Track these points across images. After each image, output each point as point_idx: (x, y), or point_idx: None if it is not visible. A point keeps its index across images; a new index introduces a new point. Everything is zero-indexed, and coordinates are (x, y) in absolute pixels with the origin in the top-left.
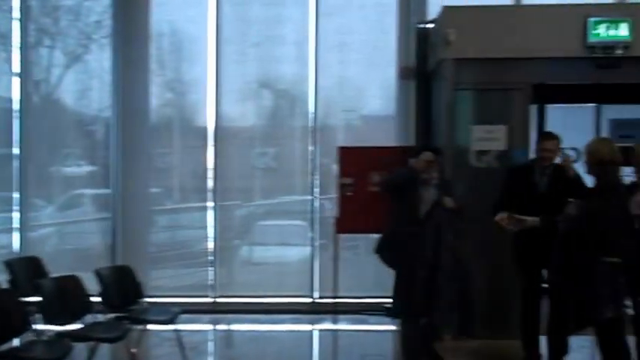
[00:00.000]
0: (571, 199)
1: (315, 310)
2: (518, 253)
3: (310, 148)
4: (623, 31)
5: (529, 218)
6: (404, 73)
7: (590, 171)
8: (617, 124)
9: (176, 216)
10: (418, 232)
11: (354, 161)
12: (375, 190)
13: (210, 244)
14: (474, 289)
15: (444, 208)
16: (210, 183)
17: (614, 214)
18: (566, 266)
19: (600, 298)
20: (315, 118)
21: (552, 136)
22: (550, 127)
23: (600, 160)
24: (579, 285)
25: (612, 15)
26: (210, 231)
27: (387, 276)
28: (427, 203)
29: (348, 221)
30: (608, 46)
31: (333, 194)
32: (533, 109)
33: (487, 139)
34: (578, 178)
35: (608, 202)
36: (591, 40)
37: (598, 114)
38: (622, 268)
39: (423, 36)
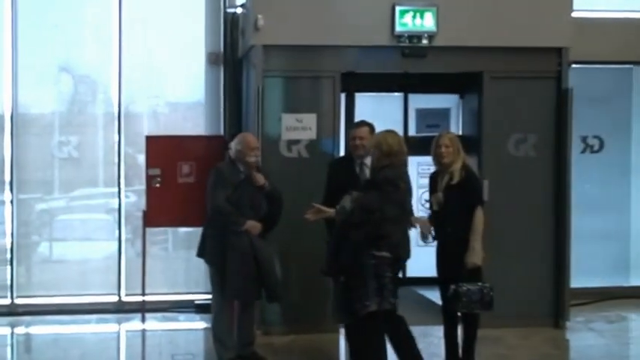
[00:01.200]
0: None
1: (122, 310)
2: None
3: (115, 136)
4: (428, 21)
5: (328, 209)
6: (212, 59)
7: (377, 163)
8: (423, 114)
9: None
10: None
11: (162, 151)
12: (185, 182)
13: (7, 241)
14: (272, 261)
15: (253, 185)
16: (6, 175)
17: (391, 209)
18: (339, 259)
19: (366, 292)
20: (120, 104)
21: (362, 124)
22: (359, 116)
23: (389, 151)
24: (349, 278)
25: (418, 4)
26: (7, 227)
27: (197, 271)
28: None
29: (157, 214)
30: (415, 36)
31: (141, 186)
32: (343, 97)
33: (297, 127)
34: None
35: (386, 196)
36: (399, 29)
37: (406, 103)
38: (391, 263)
39: (232, 21)
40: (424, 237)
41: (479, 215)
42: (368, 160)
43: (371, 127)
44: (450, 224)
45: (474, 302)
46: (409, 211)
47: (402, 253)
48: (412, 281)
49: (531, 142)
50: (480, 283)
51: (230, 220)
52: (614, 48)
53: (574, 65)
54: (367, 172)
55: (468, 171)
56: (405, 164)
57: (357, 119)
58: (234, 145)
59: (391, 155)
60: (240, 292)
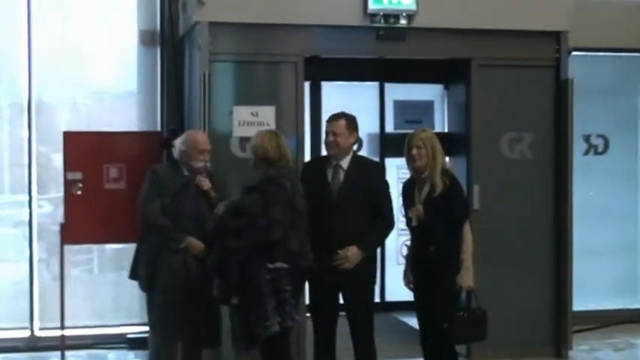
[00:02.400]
0: None
1: (36, 347)
2: None
3: (24, 132)
4: None
5: None
6: (147, 39)
7: (255, 168)
8: (402, 107)
9: None
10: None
11: (85, 150)
12: (113, 188)
13: None
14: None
15: (198, 189)
16: None
17: (279, 211)
18: (228, 277)
19: (265, 312)
20: (30, 93)
21: (338, 116)
22: (326, 108)
23: (264, 157)
24: (244, 298)
25: None
26: None
27: (130, 298)
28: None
29: (78, 228)
30: (391, 15)
31: (58, 193)
32: (308, 87)
33: (252, 123)
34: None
35: (270, 197)
36: (372, 6)
37: (382, 94)
38: (290, 275)
39: None
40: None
41: (467, 231)
42: (345, 162)
43: (349, 120)
44: (433, 242)
45: (474, 333)
46: (302, 212)
47: (304, 263)
48: (392, 306)
49: (527, 142)
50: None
51: (166, 237)
52: (619, 33)
53: (574, 52)
54: (342, 176)
55: (451, 179)
56: (286, 173)
57: (324, 112)
58: (178, 145)
59: (267, 161)
60: (164, 328)
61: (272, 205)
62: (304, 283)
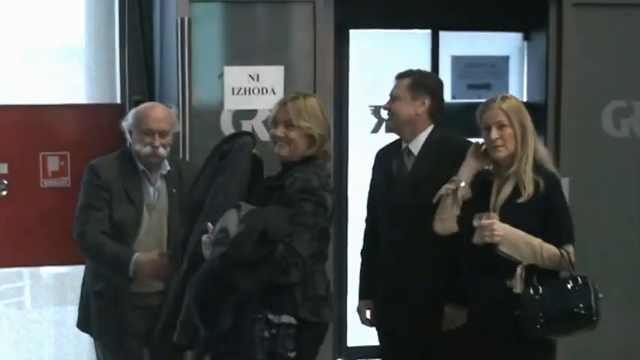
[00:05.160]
0: None
1: None
2: None
3: None
4: None
5: None
6: None
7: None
8: (464, 65)
9: None
10: None
11: (11, 132)
12: (53, 187)
13: None
14: None
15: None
16: None
17: (310, 240)
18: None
19: None
20: None
21: (402, 74)
22: (358, 67)
23: (322, 140)
24: (225, 355)
25: None
26: None
27: (77, 342)
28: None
29: (3, 244)
30: None
31: None
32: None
33: (251, 89)
34: None
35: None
36: None
37: (435, 47)
38: (297, 335)
39: None
40: None
41: (568, 251)
42: (416, 144)
43: (417, 79)
44: (510, 271)
45: None
46: (330, 238)
47: (327, 314)
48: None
49: None
50: None
51: (111, 266)
52: None
53: None
54: (409, 163)
55: (548, 177)
56: (329, 158)
57: (352, 70)
58: (125, 122)
59: (319, 145)
60: None
61: (302, 229)
62: (318, 344)
